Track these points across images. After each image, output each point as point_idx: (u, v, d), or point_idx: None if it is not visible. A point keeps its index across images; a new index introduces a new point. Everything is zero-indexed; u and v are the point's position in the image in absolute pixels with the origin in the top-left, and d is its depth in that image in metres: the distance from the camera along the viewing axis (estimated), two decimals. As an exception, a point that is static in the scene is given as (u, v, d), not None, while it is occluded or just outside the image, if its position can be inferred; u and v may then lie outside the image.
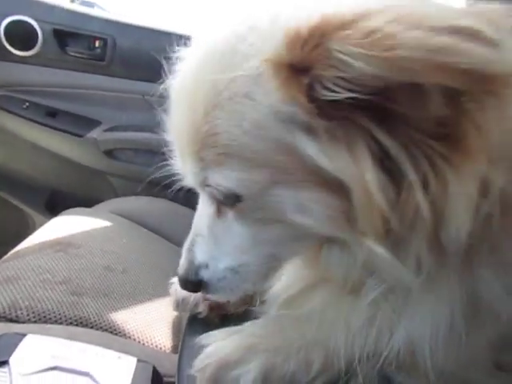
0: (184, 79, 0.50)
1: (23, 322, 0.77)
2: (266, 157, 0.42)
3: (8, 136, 1.72)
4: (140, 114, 1.67)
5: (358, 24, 0.33)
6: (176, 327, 0.92)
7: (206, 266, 0.55)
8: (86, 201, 1.48)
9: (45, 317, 0.80)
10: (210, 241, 0.54)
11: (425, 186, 0.37)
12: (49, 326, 0.76)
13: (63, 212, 1.32)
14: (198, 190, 0.54)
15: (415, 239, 0.40)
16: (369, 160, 0.37)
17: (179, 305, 0.72)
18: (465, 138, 0.36)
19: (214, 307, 0.71)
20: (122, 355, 0.57)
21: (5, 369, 0.49)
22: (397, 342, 0.47)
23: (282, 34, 0.37)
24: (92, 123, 1.68)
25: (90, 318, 0.84)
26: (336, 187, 0.40)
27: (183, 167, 0.53)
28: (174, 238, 1.30)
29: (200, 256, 0.55)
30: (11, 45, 1.58)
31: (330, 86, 0.35)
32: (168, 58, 0.56)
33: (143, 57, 1.71)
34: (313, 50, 0.34)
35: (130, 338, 0.83)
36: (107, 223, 1.27)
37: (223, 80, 0.42)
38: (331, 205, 0.42)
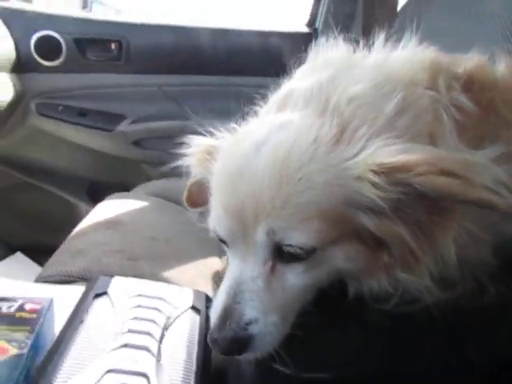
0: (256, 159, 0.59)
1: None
2: (338, 222, 0.58)
3: (48, 138, 1.95)
4: (158, 104, 1.86)
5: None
6: (217, 283, 1.09)
7: (256, 321, 0.58)
8: (121, 187, 1.66)
9: (113, 276, 1.00)
10: (262, 296, 0.59)
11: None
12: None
13: (107, 197, 1.52)
14: (253, 248, 0.60)
15: (427, 269, 0.59)
16: (403, 228, 0.57)
17: None
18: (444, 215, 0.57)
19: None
20: (182, 287, 0.77)
21: (106, 297, 0.70)
22: None
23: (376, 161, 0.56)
24: (118, 118, 1.88)
25: (147, 276, 1.02)
26: (372, 244, 0.59)
27: (247, 227, 0.59)
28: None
29: (250, 312, 0.58)
30: (41, 57, 1.79)
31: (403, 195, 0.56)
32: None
33: (154, 52, 1.89)
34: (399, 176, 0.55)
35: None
36: (145, 203, 1.45)
37: (316, 168, 0.57)
38: (368, 255, 0.60)
